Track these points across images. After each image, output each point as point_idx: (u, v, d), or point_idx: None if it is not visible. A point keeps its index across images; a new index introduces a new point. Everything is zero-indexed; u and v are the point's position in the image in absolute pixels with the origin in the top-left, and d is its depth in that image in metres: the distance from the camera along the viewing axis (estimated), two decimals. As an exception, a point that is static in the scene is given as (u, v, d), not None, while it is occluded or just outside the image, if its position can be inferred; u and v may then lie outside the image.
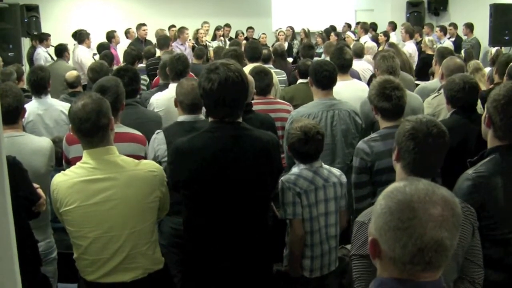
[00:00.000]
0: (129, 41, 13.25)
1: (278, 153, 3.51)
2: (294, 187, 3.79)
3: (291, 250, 3.88)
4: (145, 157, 4.10)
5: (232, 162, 3.20)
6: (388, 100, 3.90)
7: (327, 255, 3.92)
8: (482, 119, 3.29)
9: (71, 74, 7.49)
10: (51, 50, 12.57)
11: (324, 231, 3.90)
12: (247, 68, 6.05)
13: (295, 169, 3.95)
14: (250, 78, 4.75)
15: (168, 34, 13.03)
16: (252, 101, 4.95)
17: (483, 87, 6.39)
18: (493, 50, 10.43)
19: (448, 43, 12.81)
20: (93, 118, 3.09)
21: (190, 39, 12.59)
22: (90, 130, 3.11)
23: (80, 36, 11.98)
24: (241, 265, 3.34)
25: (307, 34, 15.09)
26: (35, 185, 3.68)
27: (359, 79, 7.13)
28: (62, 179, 3.14)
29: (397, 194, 1.71)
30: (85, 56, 11.38)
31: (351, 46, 9.31)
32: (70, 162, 3.97)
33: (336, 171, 4.07)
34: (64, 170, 3.50)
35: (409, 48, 11.56)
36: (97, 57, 11.03)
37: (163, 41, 9.82)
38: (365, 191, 3.97)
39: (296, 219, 3.80)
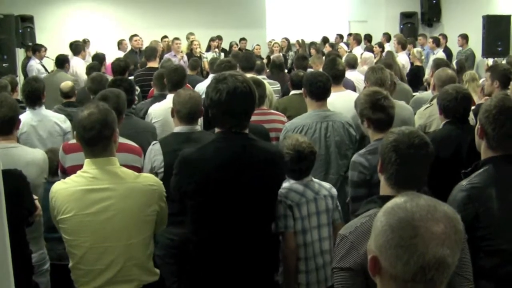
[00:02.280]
0: (121, 53, 13.23)
1: (284, 164, 3.54)
2: (285, 200, 3.78)
3: (285, 264, 3.84)
4: (141, 168, 4.13)
5: (239, 173, 3.21)
6: (382, 110, 3.91)
7: (322, 269, 3.88)
8: (475, 131, 3.31)
9: (66, 84, 7.50)
10: (46, 61, 12.59)
11: (317, 245, 3.87)
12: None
13: (285, 183, 3.93)
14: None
15: (161, 45, 13.05)
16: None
17: (476, 97, 6.43)
18: (490, 61, 10.49)
19: (441, 54, 12.88)
20: (97, 127, 3.11)
21: (181, 51, 12.62)
22: (93, 139, 3.13)
23: (76, 48, 12.01)
24: (246, 275, 3.35)
25: (301, 45, 15.14)
26: (34, 196, 3.70)
27: (354, 89, 7.15)
28: (61, 187, 3.15)
29: (398, 211, 1.68)
30: (80, 68, 11.39)
31: (344, 57, 9.36)
32: (66, 171, 3.99)
33: (326, 184, 4.07)
34: (58, 180, 3.51)
35: (402, 59, 11.59)
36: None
37: (150, 52, 9.82)
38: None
39: (288, 231, 3.77)
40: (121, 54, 12.63)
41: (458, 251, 1.66)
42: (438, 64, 6.34)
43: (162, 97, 6.24)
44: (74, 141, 4.24)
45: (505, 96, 3.26)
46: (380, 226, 1.71)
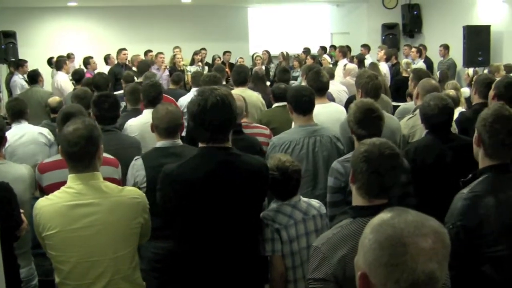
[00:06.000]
0: (108, 67, 13.26)
1: (268, 178, 3.52)
2: (273, 224, 3.71)
3: (273, 287, 3.80)
4: (119, 180, 4.16)
5: (220, 188, 3.21)
6: (366, 128, 3.92)
7: None
8: (473, 140, 3.36)
9: (54, 99, 7.59)
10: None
11: (307, 265, 3.83)
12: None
13: (273, 205, 3.89)
14: (238, 102, 4.76)
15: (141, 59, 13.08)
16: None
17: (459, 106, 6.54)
18: (470, 71, 10.59)
19: (421, 64, 12.99)
20: (82, 143, 3.12)
21: (165, 65, 12.68)
22: (77, 155, 3.14)
23: (59, 63, 11.99)
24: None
25: (285, 57, 15.19)
26: (20, 210, 3.71)
27: (333, 100, 7.16)
28: (45, 204, 3.14)
29: (386, 228, 1.67)
30: (64, 81, 11.41)
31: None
32: (44, 190, 4.01)
33: (315, 202, 4.00)
34: (37, 197, 3.51)
35: (383, 69, 11.72)
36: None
37: (143, 67, 9.83)
38: (339, 210, 3.96)
39: (275, 255, 3.71)
40: (107, 69, 12.71)
41: (446, 264, 1.66)
42: (417, 74, 6.37)
43: (135, 111, 6.32)
44: (48, 160, 4.33)
45: (502, 105, 3.32)
46: (369, 243, 1.69)
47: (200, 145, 3.31)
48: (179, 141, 4.29)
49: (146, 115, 5.47)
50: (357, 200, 2.81)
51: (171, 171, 3.26)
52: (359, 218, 2.66)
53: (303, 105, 4.92)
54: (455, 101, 6.50)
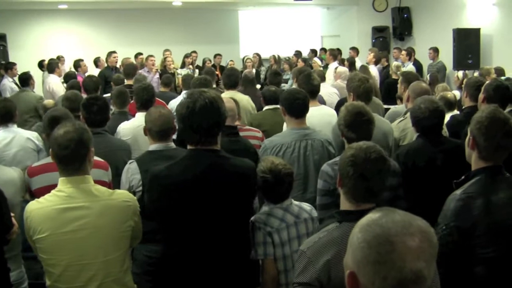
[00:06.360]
0: (98, 70, 13.22)
1: (256, 180, 3.55)
2: (265, 227, 3.68)
3: None
4: (109, 183, 4.18)
5: (208, 190, 3.21)
6: (356, 132, 3.93)
7: None
8: (466, 142, 3.35)
9: (49, 102, 7.71)
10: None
11: None
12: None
13: (265, 208, 3.86)
14: (231, 104, 4.79)
15: (134, 62, 13.05)
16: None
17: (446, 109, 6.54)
18: (460, 73, 10.63)
19: (411, 67, 13.03)
20: (72, 146, 3.13)
21: (156, 68, 12.66)
22: (67, 158, 3.14)
23: (51, 66, 11.95)
24: None
25: (277, 60, 15.21)
26: (11, 213, 3.69)
27: (324, 103, 7.16)
28: (35, 207, 3.14)
29: (374, 227, 1.69)
30: (56, 84, 11.37)
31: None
32: (34, 194, 3.99)
33: (306, 206, 3.98)
34: (27, 200, 3.50)
35: (373, 71, 11.76)
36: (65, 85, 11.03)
37: (129, 70, 9.82)
38: (329, 213, 3.92)
39: (267, 258, 3.68)
40: (97, 72, 12.68)
41: (433, 263, 1.68)
42: (406, 77, 6.38)
43: (122, 114, 6.30)
44: (37, 163, 4.31)
45: (496, 108, 3.33)
46: (357, 242, 1.71)
47: (189, 147, 3.32)
48: (172, 144, 4.29)
49: (139, 118, 5.45)
50: (344, 204, 2.81)
51: (158, 172, 3.27)
52: (345, 223, 2.67)
53: (296, 108, 4.92)
54: (452, 103, 6.52)
